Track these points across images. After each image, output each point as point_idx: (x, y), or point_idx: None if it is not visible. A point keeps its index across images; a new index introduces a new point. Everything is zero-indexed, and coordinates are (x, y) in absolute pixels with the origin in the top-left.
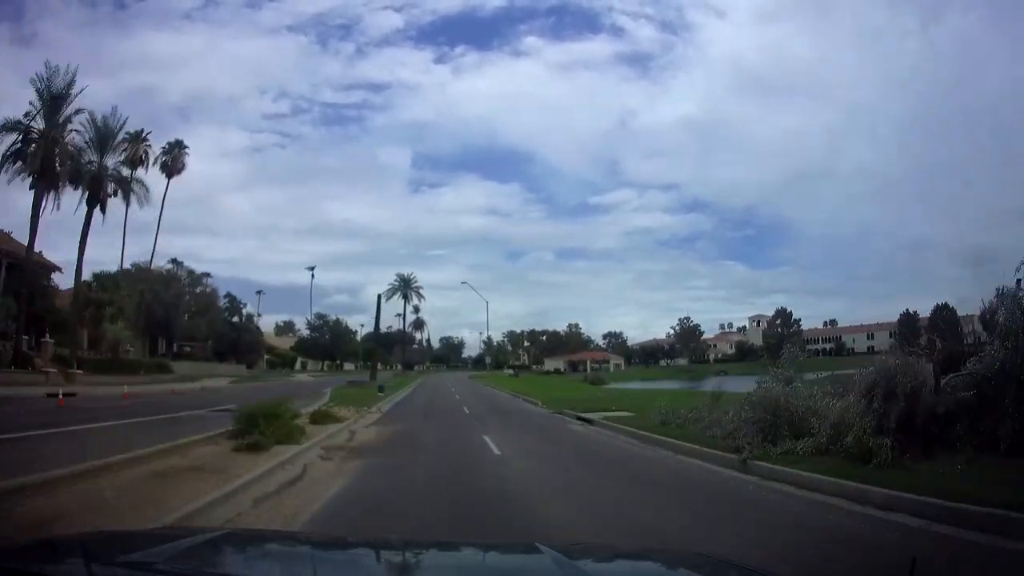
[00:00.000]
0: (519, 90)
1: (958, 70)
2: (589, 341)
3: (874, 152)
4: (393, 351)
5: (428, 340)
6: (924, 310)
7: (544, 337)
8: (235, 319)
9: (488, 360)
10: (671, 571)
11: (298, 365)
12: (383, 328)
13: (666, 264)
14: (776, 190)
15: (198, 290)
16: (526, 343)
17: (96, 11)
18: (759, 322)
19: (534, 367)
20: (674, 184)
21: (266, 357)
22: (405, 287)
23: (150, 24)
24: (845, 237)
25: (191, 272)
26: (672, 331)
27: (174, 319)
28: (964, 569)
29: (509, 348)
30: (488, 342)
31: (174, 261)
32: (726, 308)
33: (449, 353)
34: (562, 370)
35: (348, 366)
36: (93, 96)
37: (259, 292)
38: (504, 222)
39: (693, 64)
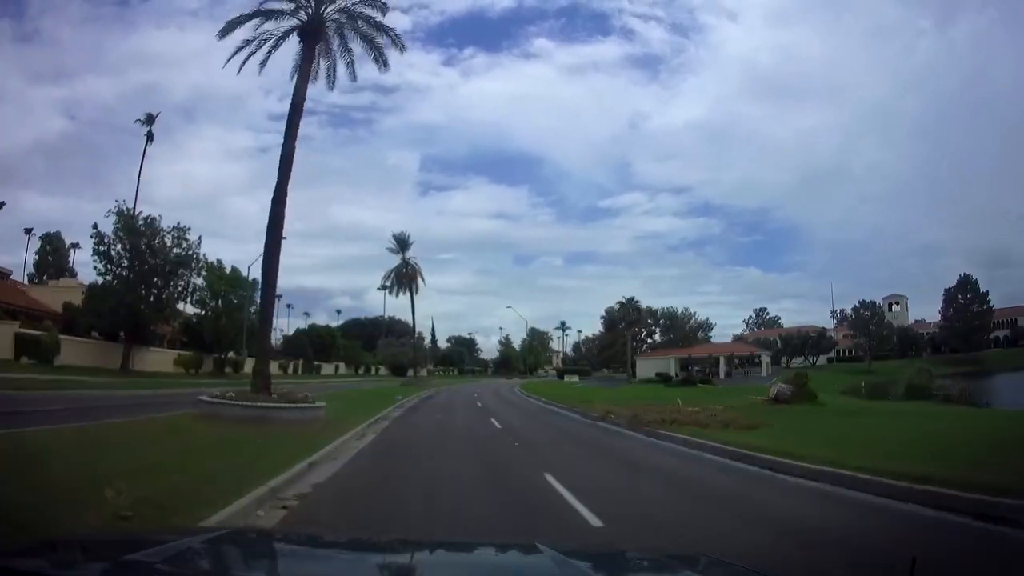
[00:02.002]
0: (529, 92)
1: (973, 69)
2: (700, 328)
3: (886, 154)
4: (377, 346)
5: (433, 335)
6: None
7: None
8: None
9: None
10: (671, 571)
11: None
12: (365, 315)
13: (676, 269)
14: (787, 193)
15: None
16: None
17: (99, 8)
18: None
19: (602, 370)
20: (685, 187)
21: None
22: (402, 247)
23: (153, 21)
24: (856, 241)
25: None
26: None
27: None
28: None
29: (537, 346)
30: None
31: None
32: (738, 314)
33: (462, 353)
34: (675, 375)
35: (327, 368)
36: (94, 94)
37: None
38: (513, 226)
39: (705, 66)
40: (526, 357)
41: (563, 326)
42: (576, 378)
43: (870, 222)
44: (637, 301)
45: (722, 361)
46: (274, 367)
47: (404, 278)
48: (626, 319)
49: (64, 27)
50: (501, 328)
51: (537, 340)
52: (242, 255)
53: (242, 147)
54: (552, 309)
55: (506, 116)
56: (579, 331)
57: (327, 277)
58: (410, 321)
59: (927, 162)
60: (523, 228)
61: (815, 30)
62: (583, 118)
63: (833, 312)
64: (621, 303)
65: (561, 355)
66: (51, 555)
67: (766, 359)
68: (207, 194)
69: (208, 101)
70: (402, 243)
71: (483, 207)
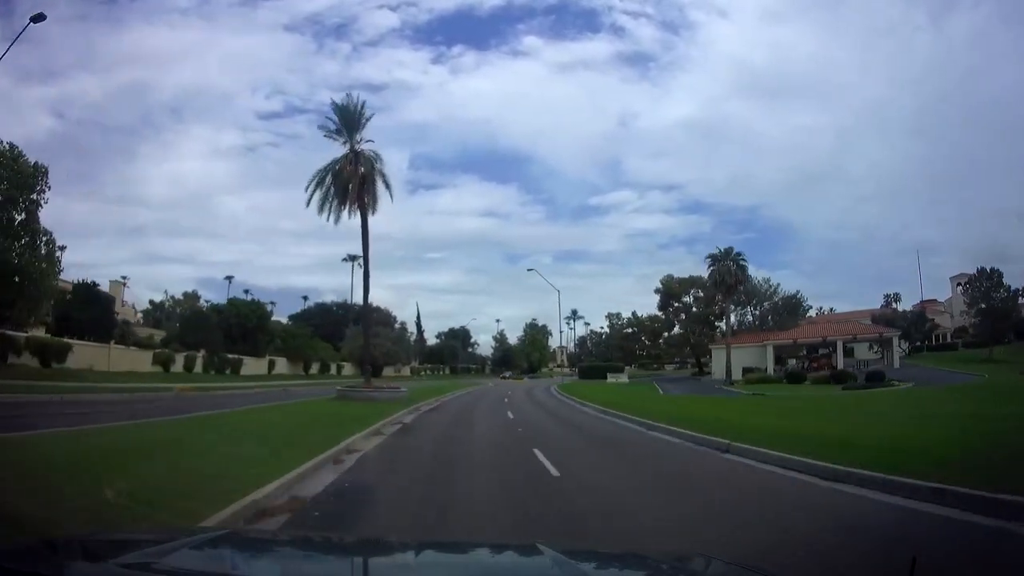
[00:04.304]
0: (518, 90)
1: (969, 66)
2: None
3: (881, 153)
4: (345, 338)
5: (419, 324)
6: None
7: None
8: None
9: (583, 351)
10: (671, 571)
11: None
12: (325, 299)
13: (667, 267)
14: (780, 190)
15: None
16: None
17: (87, 5)
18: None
19: (628, 367)
20: (676, 185)
21: None
22: (348, 127)
23: (142, 19)
24: (850, 239)
25: None
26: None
27: None
28: None
29: (541, 340)
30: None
31: None
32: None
33: (455, 348)
34: (773, 370)
35: (253, 366)
36: (85, 92)
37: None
38: (503, 224)
39: (695, 64)
40: (528, 352)
41: (574, 315)
42: (624, 378)
43: (864, 220)
44: (740, 255)
45: (840, 349)
46: (147, 360)
47: (350, 181)
48: (725, 283)
49: (53, 25)
50: (498, 321)
51: (539, 334)
52: (236, 255)
53: (231, 145)
54: (543, 308)
55: (496, 114)
56: (587, 323)
57: (317, 277)
58: (391, 309)
59: (922, 160)
60: (513, 226)
61: (808, 27)
62: (573, 116)
63: (886, 295)
64: (714, 256)
65: (565, 350)
66: (51, 555)
67: (897, 344)
68: (197, 192)
69: (196, 98)
70: (348, 118)
71: (473, 205)
